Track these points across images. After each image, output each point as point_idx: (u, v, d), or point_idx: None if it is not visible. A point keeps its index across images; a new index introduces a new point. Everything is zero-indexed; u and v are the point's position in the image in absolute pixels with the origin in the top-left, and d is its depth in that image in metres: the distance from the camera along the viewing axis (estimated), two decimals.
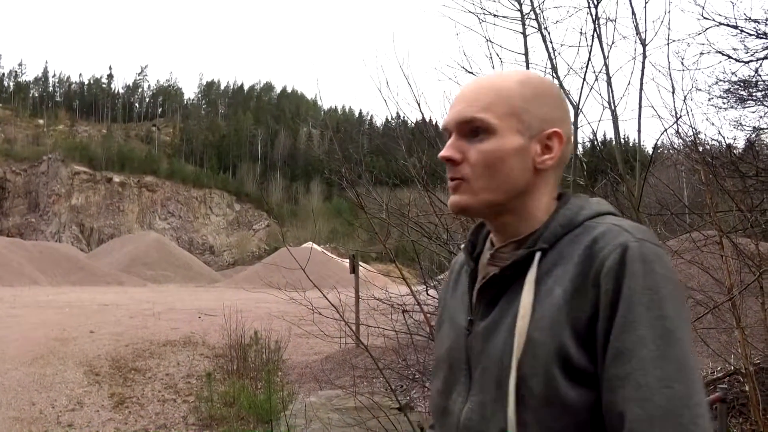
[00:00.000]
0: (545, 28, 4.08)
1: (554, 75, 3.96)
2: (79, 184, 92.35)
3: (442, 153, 1.08)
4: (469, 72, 4.24)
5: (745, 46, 5.45)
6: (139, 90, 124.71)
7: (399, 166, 5.14)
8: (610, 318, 0.93)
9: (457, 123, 1.08)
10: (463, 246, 1.23)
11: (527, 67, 4.10)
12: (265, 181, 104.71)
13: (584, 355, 0.94)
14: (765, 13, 5.77)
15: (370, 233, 5.02)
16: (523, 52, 4.20)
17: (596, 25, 3.82)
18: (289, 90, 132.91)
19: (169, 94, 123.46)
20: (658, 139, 4.32)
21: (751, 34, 5.26)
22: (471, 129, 1.07)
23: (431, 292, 4.80)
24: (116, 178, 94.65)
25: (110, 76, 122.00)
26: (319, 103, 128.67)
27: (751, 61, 5.60)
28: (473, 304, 1.11)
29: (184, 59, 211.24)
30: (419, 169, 4.61)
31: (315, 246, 33.98)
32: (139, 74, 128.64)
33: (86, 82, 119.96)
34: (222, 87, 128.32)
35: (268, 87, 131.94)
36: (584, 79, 3.84)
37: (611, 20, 3.82)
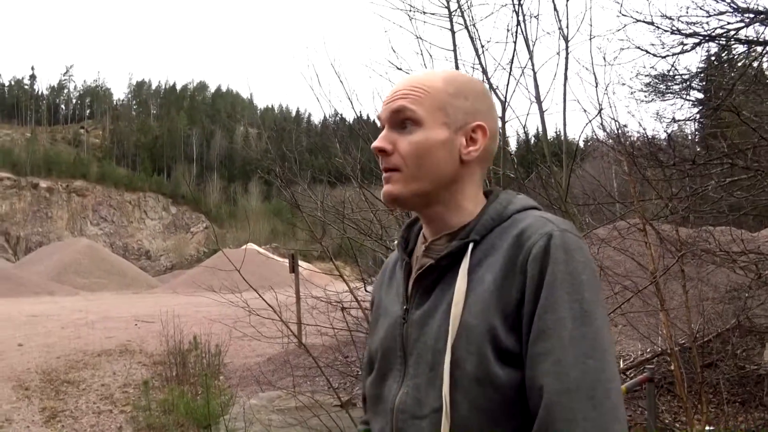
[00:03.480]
0: (473, 25, 4.17)
1: (482, 70, 4.04)
2: (2, 191, 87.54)
3: (375, 144, 1.14)
4: (399, 69, 4.28)
5: (661, 41, 5.72)
6: (65, 91, 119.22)
7: (336, 164, 5.15)
8: (535, 300, 0.99)
9: (389, 113, 1.14)
10: (396, 242, 1.29)
11: (456, 63, 4.17)
12: (201, 183, 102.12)
13: (512, 336, 1.01)
14: (679, 10, 6.05)
15: (307, 232, 4.99)
16: (452, 48, 4.27)
17: (521, 21, 3.93)
18: (224, 89, 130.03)
19: (97, 94, 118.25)
20: (581, 132, 4.51)
21: (666, 31, 5.52)
22: (401, 120, 1.13)
23: (369, 288, 4.82)
24: (43, 184, 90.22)
25: (33, 77, 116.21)
26: (254, 102, 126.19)
27: (668, 56, 5.88)
28: (409, 295, 1.16)
29: (112, 59, 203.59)
30: (354, 166, 4.62)
31: (254, 246, 33.46)
32: (65, 74, 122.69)
33: (7, 84, 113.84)
34: (153, 87, 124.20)
35: (202, 86, 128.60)
36: (510, 73, 3.94)
37: (535, 16, 3.95)
